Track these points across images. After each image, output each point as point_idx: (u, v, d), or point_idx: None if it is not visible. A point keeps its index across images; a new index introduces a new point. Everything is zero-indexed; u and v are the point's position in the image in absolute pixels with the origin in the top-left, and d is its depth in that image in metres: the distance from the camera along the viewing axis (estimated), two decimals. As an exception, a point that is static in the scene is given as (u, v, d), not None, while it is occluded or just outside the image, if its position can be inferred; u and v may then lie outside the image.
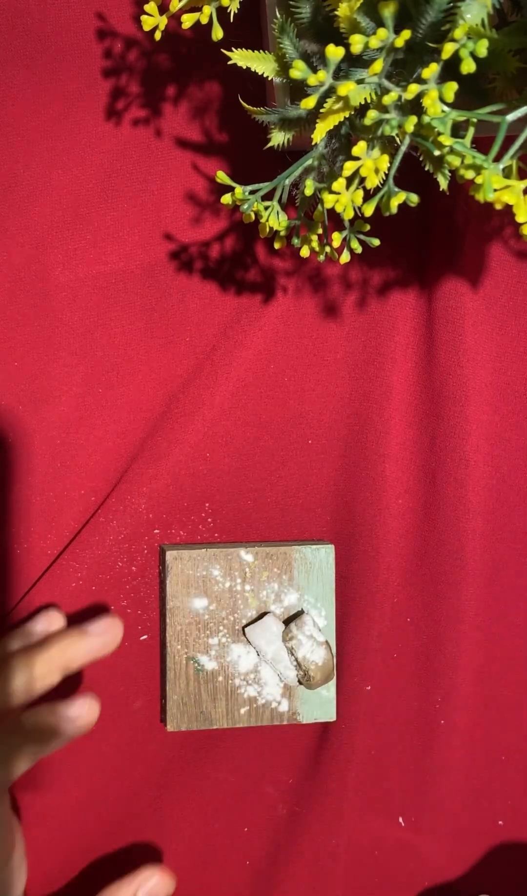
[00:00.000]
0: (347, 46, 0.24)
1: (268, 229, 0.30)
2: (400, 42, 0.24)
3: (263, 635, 0.38)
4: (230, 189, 0.28)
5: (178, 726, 0.38)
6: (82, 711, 0.34)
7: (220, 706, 0.38)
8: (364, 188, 0.27)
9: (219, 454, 0.39)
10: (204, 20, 0.27)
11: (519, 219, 0.24)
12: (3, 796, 0.34)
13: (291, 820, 0.40)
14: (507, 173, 0.28)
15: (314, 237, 0.31)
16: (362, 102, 0.25)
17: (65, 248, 0.37)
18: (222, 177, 0.28)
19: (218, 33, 0.28)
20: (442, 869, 0.42)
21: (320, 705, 0.39)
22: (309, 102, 0.25)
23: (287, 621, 0.38)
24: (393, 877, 0.42)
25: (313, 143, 0.27)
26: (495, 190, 0.24)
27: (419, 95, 0.24)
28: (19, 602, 0.38)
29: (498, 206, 0.24)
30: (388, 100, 0.24)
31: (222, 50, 0.29)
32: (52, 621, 0.37)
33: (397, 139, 0.26)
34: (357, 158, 0.26)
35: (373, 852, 0.42)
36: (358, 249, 0.30)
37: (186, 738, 0.40)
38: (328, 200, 0.27)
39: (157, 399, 0.38)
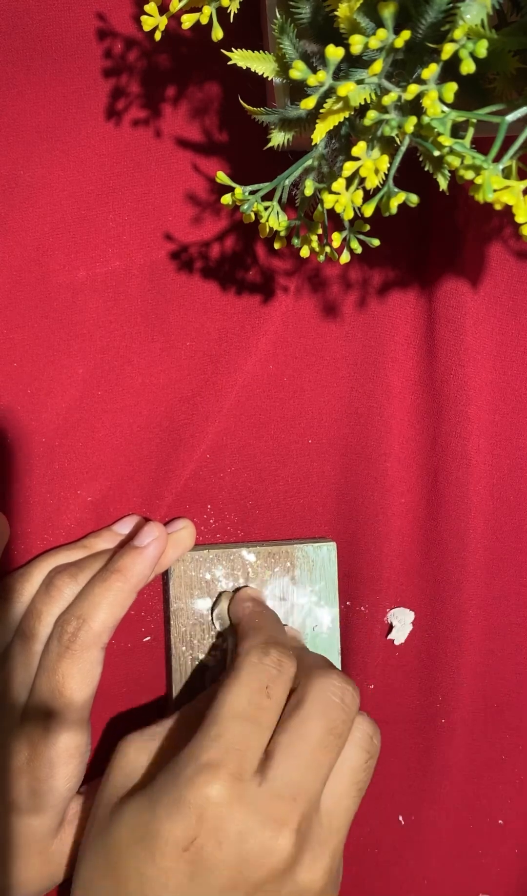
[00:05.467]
0: (346, 47, 0.24)
1: (268, 229, 0.30)
2: (400, 42, 0.24)
3: None
4: (230, 189, 0.28)
5: None
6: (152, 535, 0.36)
7: None
8: (364, 188, 0.27)
9: (220, 455, 0.39)
10: (204, 20, 0.27)
11: (519, 219, 0.24)
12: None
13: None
14: (506, 174, 0.28)
15: (314, 237, 0.31)
16: (362, 103, 0.25)
17: (65, 249, 0.37)
18: (222, 177, 0.28)
19: (218, 33, 0.28)
20: (442, 868, 0.42)
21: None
22: (309, 103, 0.25)
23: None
24: (393, 876, 0.42)
25: (313, 144, 0.27)
26: (495, 190, 0.24)
27: (419, 96, 0.24)
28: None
29: (498, 207, 0.24)
30: (387, 100, 0.24)
31: (222, 50, 0.29)
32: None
33: (397, 139, 0.26)
34: (357, 159, 0.26)
35: (372, 851, 0.42)
36: (358, 249, 0.30)
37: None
38: (328, 201, 0.27)
39: (156, 401, 0.38)
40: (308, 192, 0.28)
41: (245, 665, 0.32)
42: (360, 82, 0.25)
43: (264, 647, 0.33)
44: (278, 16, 0.27)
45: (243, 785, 0.29)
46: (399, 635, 0.41)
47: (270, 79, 0.29)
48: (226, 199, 0.28)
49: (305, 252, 0.31)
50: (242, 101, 0.30)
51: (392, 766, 0.41)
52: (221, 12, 0.29)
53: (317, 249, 0.31)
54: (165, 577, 0.39)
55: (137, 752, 0.33)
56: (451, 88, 0.23)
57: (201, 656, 0.38)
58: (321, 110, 0.25)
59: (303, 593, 0.39)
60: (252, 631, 0.35)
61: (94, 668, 0.34)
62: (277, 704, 0.32)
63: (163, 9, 0.28)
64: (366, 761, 0.32)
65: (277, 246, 0.31)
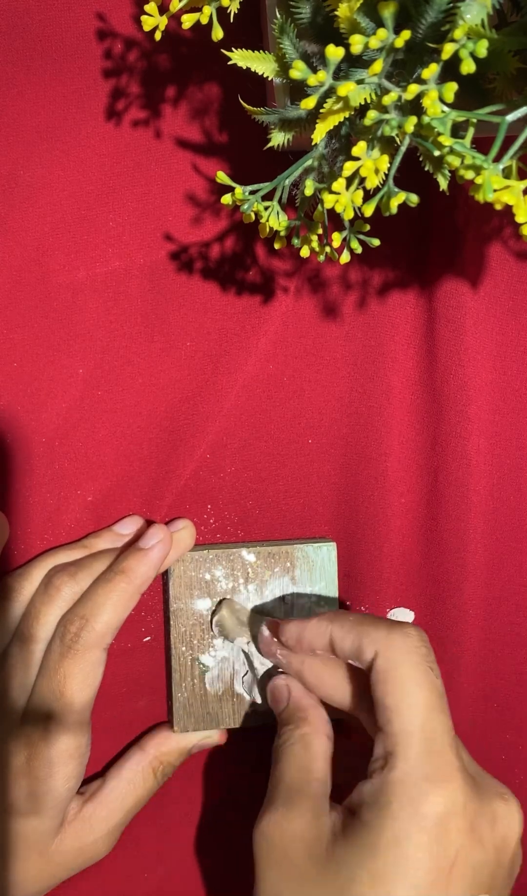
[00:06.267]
0: (347, 47, 0.24)
1: (268, 229, 0.30)
2: (400, 42, 0.24)
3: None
4: (230, 189, 0.28)
5: (184, 728, 0.38)
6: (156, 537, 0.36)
7: (226, 706, 0.38)
8: (364, 188, 0.27)
9: (219, 455, 0.39)
10: (204, 20, 0.27)
11: (519, 219, 0.24)
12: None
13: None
14: (507, 173, 0.28)
15: (314, 237, 0.31)
16: (362, 103, 0.25)
17: (65, 250, 0.37)
18: (222, 177, 0.28)
19: (218, 33, 0.28)
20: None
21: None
22: (309, 103, 0.25)
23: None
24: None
25: (313, 144, 0.27)
26: (495, 190, 0.24)
27: (419, 96, 0.24)
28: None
29: (498, 207, 0.24)
30: (388, 100, 0.24)
31: (222, 50, 0.29)
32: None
33: (397, 139, 0.26)
34: (357, 158, 0.26)
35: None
36: (358, 249, 0.30)
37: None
38: (328, 200, 0.27)
39: (156, 401, 0.39)
40: (308, 192, 0.28)
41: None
42: (360, 82, 0.25)
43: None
44: (278, 16, 0.27)
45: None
46: (399, 635, 0.41)
47: (270, 79, 0.29)
48: (226, 199, 0.28)
49: (305, 252, 0.31)
50: (242, 101, 0.30)
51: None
52: (221, 12, 0.29)
53: (317, 249, 0.31)
54: (164, 577, 0.39)
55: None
56: (451, 88, 0.23)
57: (201, 656, 0.38)
58: (321, 110, 0.25)
59: (303, 593, 0.39)
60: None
61: (95, 669, 0.34)
62: None
63: (163, 9, 0.28)
64: None
65: (277, 246, 0.31)
